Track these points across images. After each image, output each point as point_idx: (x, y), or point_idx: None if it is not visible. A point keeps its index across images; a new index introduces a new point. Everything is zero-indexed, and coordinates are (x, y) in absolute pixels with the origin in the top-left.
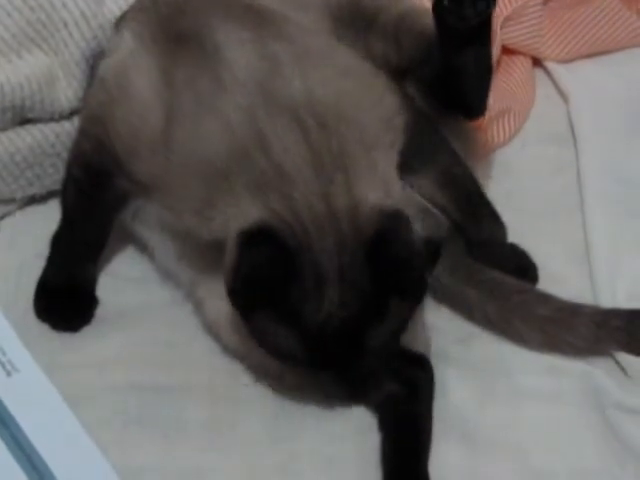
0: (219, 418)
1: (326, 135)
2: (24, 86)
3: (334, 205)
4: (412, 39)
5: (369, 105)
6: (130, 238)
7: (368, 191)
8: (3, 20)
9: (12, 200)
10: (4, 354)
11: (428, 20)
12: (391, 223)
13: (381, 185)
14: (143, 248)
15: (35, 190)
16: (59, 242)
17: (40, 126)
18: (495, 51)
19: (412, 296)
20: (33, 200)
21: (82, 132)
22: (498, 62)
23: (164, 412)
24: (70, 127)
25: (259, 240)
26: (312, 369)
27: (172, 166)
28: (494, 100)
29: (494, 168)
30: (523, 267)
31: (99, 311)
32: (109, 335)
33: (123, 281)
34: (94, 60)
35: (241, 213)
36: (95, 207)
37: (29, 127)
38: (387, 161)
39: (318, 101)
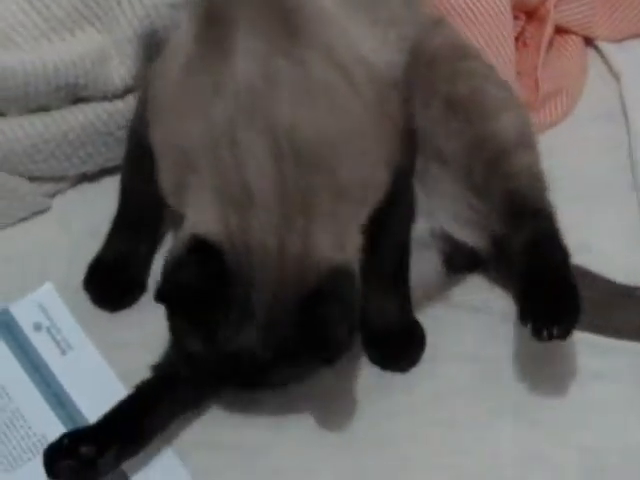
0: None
1: (299, 172)
2: (77, 65)
3: (286, 248)
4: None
5: (352, 157)
6: None
7: (323, 243)
8: None
9: (64, 178)
10: (59, 332)
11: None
12: (335, 281)
13: (339, 239)
14: None
15: (87, 168)
16: (117, 222)
17: (93, 105)
18: (548, 30)
19: (325, 359)
20: (85, 178)
21: (137, 103)
22: (551, 42)
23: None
24: (123, 106)
25: (204, 251)
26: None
27: (161, 143)
28: (547, 79)
29: (545, 148)
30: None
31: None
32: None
33: None
34: (147, 39)
35: (201, 214)
36: (144, 182)
37: (82, 106)
38: (352, 216)
39: (300, 135)
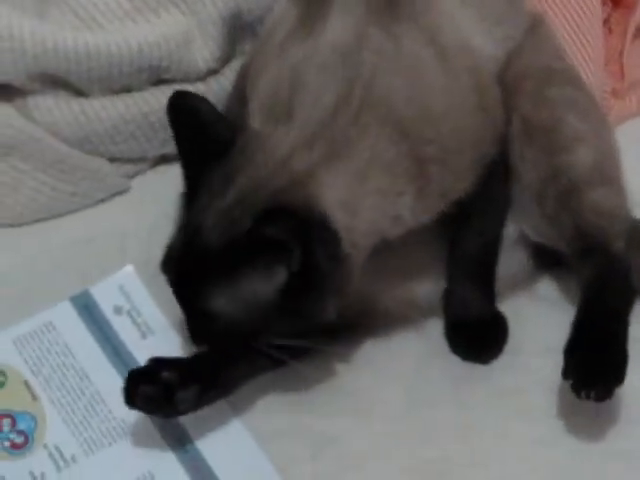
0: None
1: (353, 120)
2: (161, 46)
3: (293, 161)
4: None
5: (420, 131)
6: None
7: (331, 190)
8: None
9: (144, 159)
10: (139, 315)
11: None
12: (305, 222)
13: (354, 203)
14: None
15: (167, 150)
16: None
17: (175, 87)
18: (636, 17)
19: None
20: (164, 159)
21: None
22: (637, 29)
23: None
24: (205, 89)
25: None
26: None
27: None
28: (633, 67)
29: (628, 136)
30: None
31: None
32: None
33: None
34: (231, 22)
35: None
36: None
37: (164, 88)
38: (379, 185)
39: (375, 91)
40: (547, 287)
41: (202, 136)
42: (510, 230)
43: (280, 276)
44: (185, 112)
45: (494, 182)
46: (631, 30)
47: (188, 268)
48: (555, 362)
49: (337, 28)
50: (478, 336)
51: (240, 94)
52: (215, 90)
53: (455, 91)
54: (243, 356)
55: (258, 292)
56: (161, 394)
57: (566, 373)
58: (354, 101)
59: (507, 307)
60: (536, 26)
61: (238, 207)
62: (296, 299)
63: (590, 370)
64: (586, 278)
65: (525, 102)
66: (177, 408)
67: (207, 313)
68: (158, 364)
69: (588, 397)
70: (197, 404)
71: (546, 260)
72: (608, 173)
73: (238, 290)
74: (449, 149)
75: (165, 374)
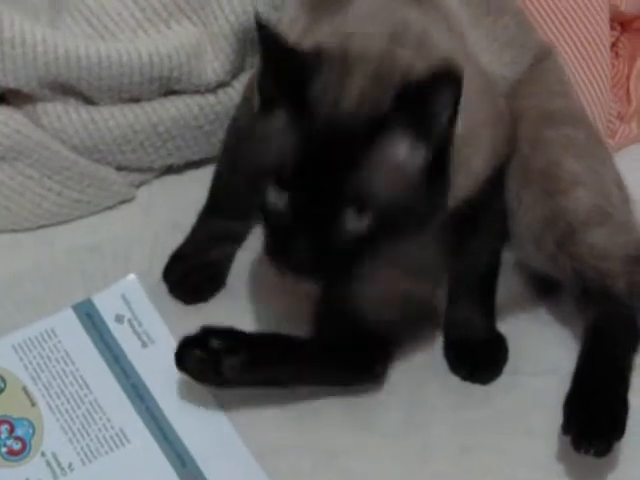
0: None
1: None
2: (172, 57)
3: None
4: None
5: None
6: None
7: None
8: None
9: (150, 169)
10: (140, 325)
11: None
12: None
13: None
14: None
15: (174, 160)
16: (205, 216)
17: (184, 98)
18: None
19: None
20: (171, 169)
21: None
22: None
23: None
24: (214, 101)
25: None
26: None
27: None
28: (638, 92)
29: (635, 160)
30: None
31: (236, 285)
32: (244, 310)
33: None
34: (243, 35)
35: None
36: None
37: (173, 98)
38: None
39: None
40: (546, 308)
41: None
42: (509, 253)
43: (421, 152)
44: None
45: (495, 196)
46: None
47: (333, 158)
48: (554, 383)
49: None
50: (477, 356)
51: (248, 104)
52: (225, 102)
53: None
54: (292, 354)
55: (406, 169)
56: (208, 358)
57: (566, 428)
58: None
59: (507, 327)
60: (542, 58)
61: (373, 90)
62: (431, 183)
63: (589, 426)
64: (587, 321)
65: (523, 144)
66: (224, 375)
67: (360, 197)
68: (208, 332)
69: (587, 453)
70: (243, 374)
71: (546, 282)
72: (607, 212)
73: (387, 169)
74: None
75: (213, 341)
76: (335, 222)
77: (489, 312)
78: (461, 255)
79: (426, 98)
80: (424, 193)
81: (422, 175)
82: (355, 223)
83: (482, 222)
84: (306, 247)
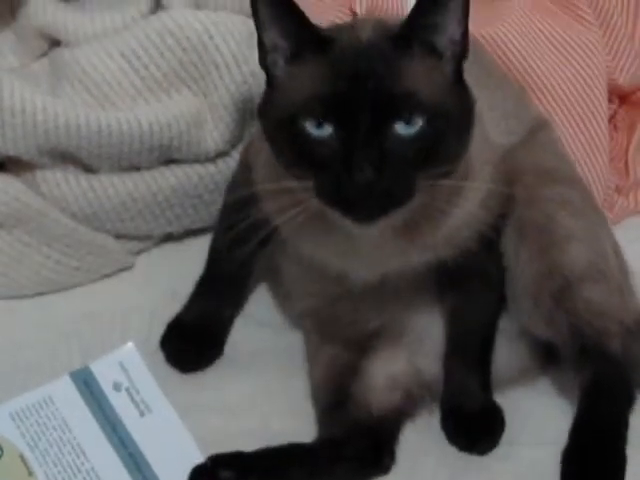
0: None
1: None
2: (172, 126)
3: None
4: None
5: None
6: (266, 281)
7: None
8: (155, 59)
9: (149, 237)
10: (138, 393)
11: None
12: None
13: None
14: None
15: (173, 229)
16: (203, 284)
17: (184, 167)
18: None
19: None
20: (170, 237)
21: (239, 160)
22: None
23: None
24: (214, 170)
25: None
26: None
27: None
28: (638, 164)
29: (633, 232)
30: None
31: (233, 353)
32: (242, 378)
33: (257, 325)
34: (242, 105)
35: None
36: (239, 241)
37: (173, 167)
38: None
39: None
40: (543, 378)
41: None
42: (508, 323)
43: (447, 61)
44: None
45: (489, 262)
46: (639, 128)
47: (370, 81)
48: (551, 453)
49: None
50: (475, 427)
51: (246, 169)
52: (224, 172)
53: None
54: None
55: (439, 76)
56: None
57: None
58: None
59: (504, 397)
60: (538, 130)
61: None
62: (458, 92)
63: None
64: (583, 380)
65: (518, 204)
66: None
67: (409, 107)
68: (217, 462)
69: None
70: None
71: (543, 353)
72: (603, 270)
73: (424, 78)
74: None
75: (223, 472)
76: (389, 134)
77: (485, 382)
78: (457, 324)
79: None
80: (457, 99)
81: (451, 80)
82: (408, 129)
83: (477, 289)
84: (368, 165)
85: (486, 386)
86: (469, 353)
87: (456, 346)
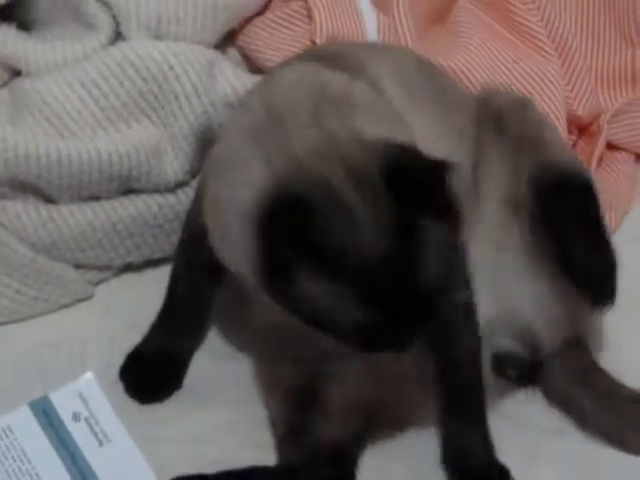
0: None
1: None
2: (132, 156)
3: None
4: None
5: None
6: (225, 313)
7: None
8: (115, 89)
9: (109, 267)
10: (97, 423)
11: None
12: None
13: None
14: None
15: (133, 258)
16: (163, 315)
17: (144, 197)
18: (600, 146)
19: (442, 212)
20: (129, 267)
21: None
22: (601, 157)
23: None
24: (174, 200)
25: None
26: (369, 327)
27: None
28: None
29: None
30: None
31: (193, 384)
32: (202, 409)
33: (217, 356)
34: (202, 135)
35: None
36: (197, 274)
37: (133, 197)
38: None
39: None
40: (509, 406)
41: None
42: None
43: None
44: None
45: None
46: (596, 158)
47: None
48: None
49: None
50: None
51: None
52: (184, 202)
53: None
54: None
55: (444, 251)
56: None
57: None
58: None
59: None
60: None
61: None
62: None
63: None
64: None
65: (513, 126)
66: None
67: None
68: None
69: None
70: None
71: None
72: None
73: (435, 257)
74: None
75: None
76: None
77: (486, 437)
78: (448, 378)
79: (426, 187)
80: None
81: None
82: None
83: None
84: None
85: (488, 439)
86: (464, 406)
87: (447, 403)
